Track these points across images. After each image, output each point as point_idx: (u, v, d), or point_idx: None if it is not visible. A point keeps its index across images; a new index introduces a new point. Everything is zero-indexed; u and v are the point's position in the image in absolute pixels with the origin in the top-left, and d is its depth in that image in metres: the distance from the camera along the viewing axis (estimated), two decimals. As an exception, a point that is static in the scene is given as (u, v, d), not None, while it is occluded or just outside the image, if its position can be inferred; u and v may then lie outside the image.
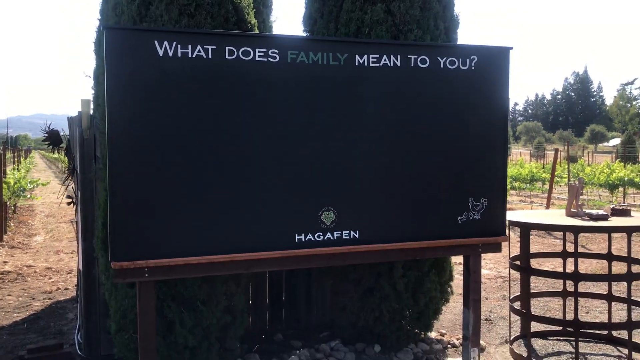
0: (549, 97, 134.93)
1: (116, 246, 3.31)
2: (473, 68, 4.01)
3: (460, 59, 3.98)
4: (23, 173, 15.48)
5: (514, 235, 6.04)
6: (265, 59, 3.55)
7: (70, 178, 5.35)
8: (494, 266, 8.29)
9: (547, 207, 12.56)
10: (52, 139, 5.56)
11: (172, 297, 3.74)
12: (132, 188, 3.32)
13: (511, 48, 4.13)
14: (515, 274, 7.42)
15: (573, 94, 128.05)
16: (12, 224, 12.76)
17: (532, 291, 4.64)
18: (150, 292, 3.45)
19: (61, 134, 5.72)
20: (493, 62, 4.07)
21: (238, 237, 3.53)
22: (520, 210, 5.09)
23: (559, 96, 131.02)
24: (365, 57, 3.75)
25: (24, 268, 8.41)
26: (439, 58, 3.93)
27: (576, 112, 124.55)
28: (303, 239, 3.67)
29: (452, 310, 5.86)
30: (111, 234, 3.31)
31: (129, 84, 3.31)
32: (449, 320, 5.60)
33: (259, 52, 3.54)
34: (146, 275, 3.39)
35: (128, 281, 3.43)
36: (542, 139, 77.78)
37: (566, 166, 18.06)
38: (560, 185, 18.85)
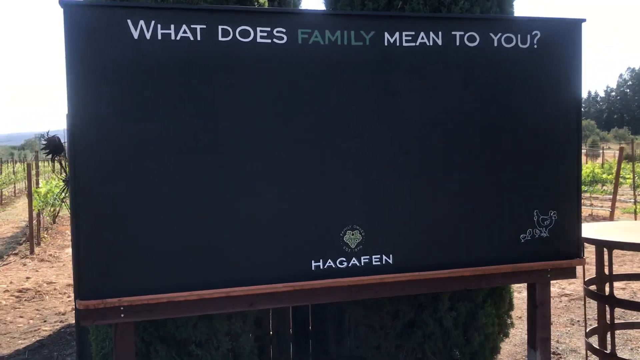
0: (602, 94, 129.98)
1: (82, 280, 2.62)
2: (535, 46, 3.16)
3: (519, 35, 3.14)
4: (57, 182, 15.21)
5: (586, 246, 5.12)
6: (269, 41, 2.81)
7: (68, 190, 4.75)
8: (557, 281, 7.29)
9: (612, 211, 11.39)
10: (51, 147, 4.95)
11: (160, 339, 3.03)
12: (101, 206, 2.62)
13: (584, 20, 3.26)
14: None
15: (628, 91, 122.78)
16: (47, 235, 12.44)
17: (611, 320, 3.73)
18: (128, 336, 2.75)
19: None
20: (561, 39, 3.21)
21: (237, 267, 2.79)
22: (593, 223, 4.18)
23: (613, 93, 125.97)
24: (397, 35, 2.96)
25: (44, 285, 7.92)
26: (491, 34, 3.09)
27: (632, 109, 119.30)
28: (321, 267, 2.90)
29: (512, 339, 4.96)
30: (75, 265, 2.62)
31: (96, 76, 2.62)
32: (507, 352, 4.71)
33: (261, 31, 2.80)
34: (122, 315, 2.69)
35: (100, 323, 2.74)
36: (597, 138, 74.54)
37: (625, 166, 16.69)
38: (621, 187, 17.43)
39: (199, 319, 3.05)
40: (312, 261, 2.89)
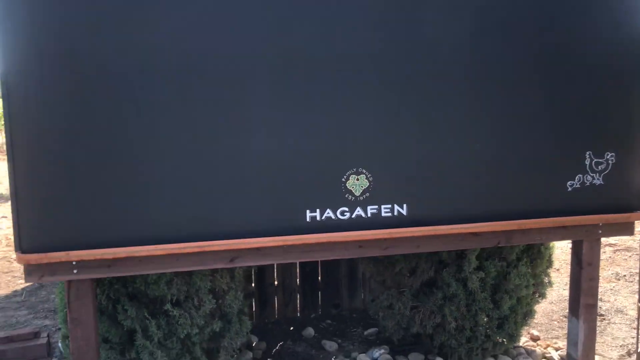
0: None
1: (22, 230, 2.16)
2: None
3: None
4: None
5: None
6: None
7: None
8: (600, 229, 6.64)
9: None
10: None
11: (129, 297, 2.58)
12: (43, 141, 2.12)
13: None
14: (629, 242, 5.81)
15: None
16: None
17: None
18: (85, 295, 2.30)
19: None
20: None
21: (215, 217, 2.28)
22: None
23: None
24: None
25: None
26: None
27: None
28: (318, 218, 2.37)
29: (548, 296, 4.43)
30: (15, 212, 2.15)
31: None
32: (542, 312, 4.19)
33: None
34: (75, 272, 2.24)
35: (47, 281, 2.29)
36: None
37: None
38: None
39: (175, 274, 2.59)
40: (307, 211, 2.36)
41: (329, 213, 2.38)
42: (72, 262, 2.21)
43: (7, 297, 4.80)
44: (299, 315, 4.03)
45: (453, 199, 2.49)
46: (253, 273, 3.84)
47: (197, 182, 2.24)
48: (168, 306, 2.58)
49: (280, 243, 2.34)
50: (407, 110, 2.38)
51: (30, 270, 2.21)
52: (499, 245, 2.64)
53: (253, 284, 3.87)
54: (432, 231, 2.46)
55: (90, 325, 2.32)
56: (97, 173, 2.16)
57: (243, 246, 2.32)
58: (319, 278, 4.03)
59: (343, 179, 2.37)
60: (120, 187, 2.19)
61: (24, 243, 2.15)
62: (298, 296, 4.02)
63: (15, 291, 4.94)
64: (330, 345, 3.50)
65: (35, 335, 3.71)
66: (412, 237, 2.47)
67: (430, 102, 2.40)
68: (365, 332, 3.69)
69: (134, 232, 2.22)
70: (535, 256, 3.04)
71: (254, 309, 3.90)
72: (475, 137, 2.46)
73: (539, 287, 3.18)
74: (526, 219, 2.55)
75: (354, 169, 2.37)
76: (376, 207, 2.41)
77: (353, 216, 2.40)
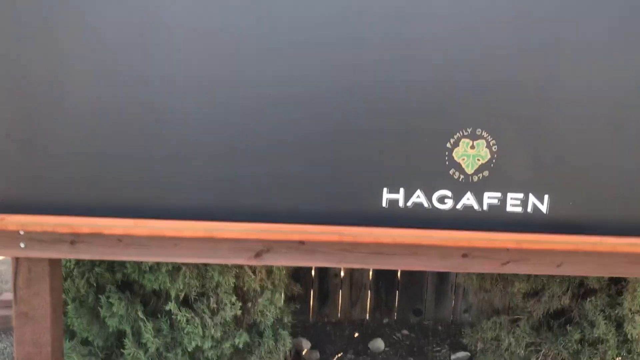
0: None
1: (-58, 175, 1.42)
2: None
3: None
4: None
5: None
6: None
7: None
8: None
9: None
10: None
11: (117, 286, 1.81)
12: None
13: None
14: None
15: None
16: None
17: None
18: (40, 282, 1.55)
19: None
20: None
21: (236, 185, 1.44)
22: None
23: None
24: None
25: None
26: None
27: None
28: (401, 203, 1.46)
29: None
30: None
31: None
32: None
33: None
34: (22, 246, 1.48)
35: (-16, 255, 1.55)
36: None
37: None
38: None
39: (184, 262, 1.78)
40: (384, 190, 1.46)
41: (419, 197, 1.46)
42: (17, 232, 1.46)
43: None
44: (367, 318, 3.17)
45: (626, 195, 1.50)
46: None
47: (208, 128, 1.40)
48: (171, 305, 1.78)
49: (336, 238, 1.46)
50: (569, 43, 1.40)
51: (-44, 237, 1.47)
52: (693, 277, 1.62)
53: (312, 272, 3.06)
54: (587, 244, 1.49)
55: (44, 325, 1.56)
56: (53, 106, 1.37)
57: (276, 236, 1.46)
58: (398, 274, 3.14)
59: (448, 145, 1.44)
60: (86, 126, 1.39)
61: (-56, 195, 1.42)
62: (369, 294, 3.15)
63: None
64: (403, 370, 2.62)
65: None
66: (553, 251, 1.51)
67: (613, 31, 1.40)
68: (453, 356, 2.76)
69: (107, 196, 1.42)
70: None
71: (310, 304, 3.09)
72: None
73: None
74: None
75: (468, 130, 1.43)
76: (498, 195, 1.46)
77: (458, 206, 1.47)
